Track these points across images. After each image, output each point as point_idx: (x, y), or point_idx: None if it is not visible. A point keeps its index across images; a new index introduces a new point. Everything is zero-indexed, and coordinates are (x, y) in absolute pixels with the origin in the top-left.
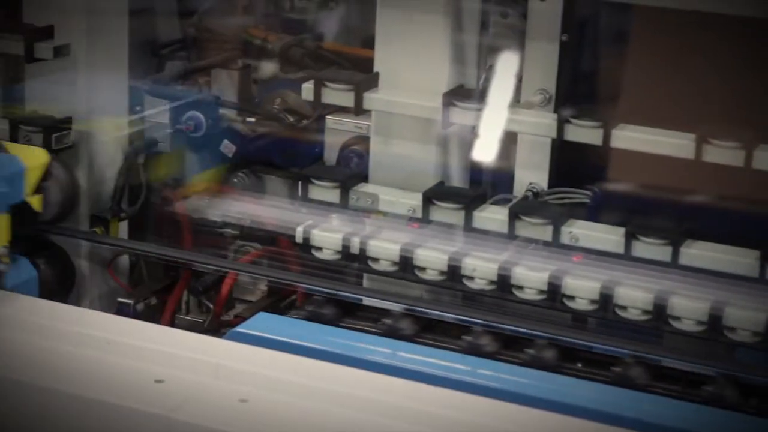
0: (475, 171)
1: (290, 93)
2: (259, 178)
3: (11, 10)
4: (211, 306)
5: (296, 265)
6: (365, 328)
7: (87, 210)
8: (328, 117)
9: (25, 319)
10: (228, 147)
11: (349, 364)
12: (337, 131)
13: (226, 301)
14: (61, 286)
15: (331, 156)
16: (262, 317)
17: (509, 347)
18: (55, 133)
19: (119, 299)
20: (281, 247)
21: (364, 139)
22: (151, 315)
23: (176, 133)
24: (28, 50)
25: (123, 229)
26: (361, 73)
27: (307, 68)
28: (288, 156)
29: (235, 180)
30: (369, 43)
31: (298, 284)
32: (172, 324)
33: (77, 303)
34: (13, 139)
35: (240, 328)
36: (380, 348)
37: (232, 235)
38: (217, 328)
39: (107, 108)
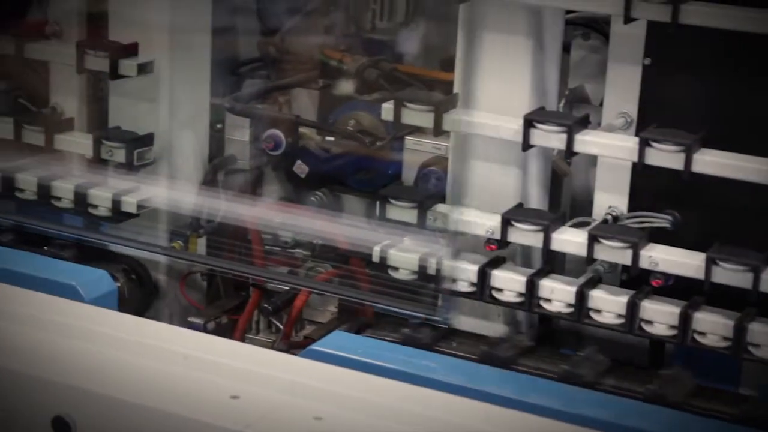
0: (554, 193)
1: (365, 114)
2: (336, 197)
3: (97, 28)
4: (281, 326)
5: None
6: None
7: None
8: (407, 137)
9: (103, 332)
10: (301, 167)
11: (423, 385)
12: (416, 151)
13: (296, 322)
14: (139, 300)
15: (409, 176)
16: (338, 336)
17: None
18: (137, 148)
19: (189, 318)
20: (354, 267)
21: (443, 160)
22: (222, 334)
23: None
24: (112, 67)
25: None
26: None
27: (382, 90)
28: (362, 177)
29: (313, 199)
30: (447, 64)
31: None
32: None
33: (153, 318)
34: (96, 154)
35: (315, 346)
36: (455, 369)
37: (303, 256)
38: (286, 348)
39: (189, 124)
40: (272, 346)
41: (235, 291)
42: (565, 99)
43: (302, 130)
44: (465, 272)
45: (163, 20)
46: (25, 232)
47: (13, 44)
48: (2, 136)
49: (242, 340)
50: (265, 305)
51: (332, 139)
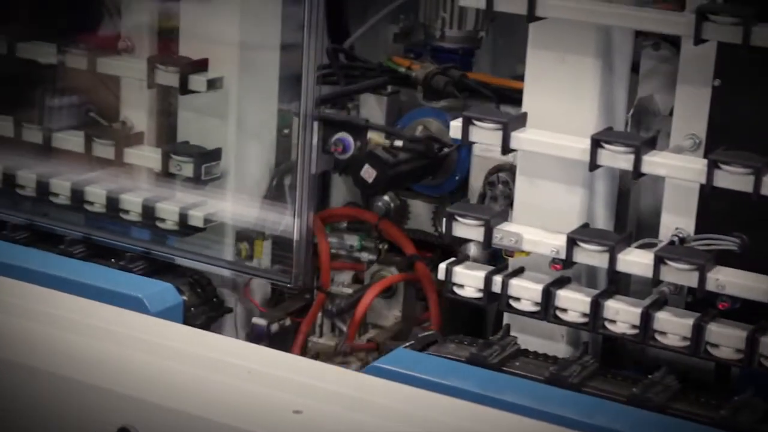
0: (620, 214)
1: (432, 120)
2: (402, 202)
3: (168, 44)
4: (344, 329)
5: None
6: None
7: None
8: (475, 144)
9: (168, 344)
10: (368, 172)
11: (486, 404)
12: (484, 158)
13: (359, 325)
14: (204, 313)
15: (476, 182)
16: (401, 353)
17: None
18: (205, 163)
19: (254, 319)
20: (419, 274)
21: (511, 166)
22: (285, 336)
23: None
24: (182, 82)
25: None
26: (505, 104)
27: (450, 97)
28: (429, 182)
29: (379, 204)
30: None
31: None
32: (304, 346)
33: (216, 323)
34: (165, 168)
35: (379, 363)
36: (520, 389)
37: (368, 260)
38: (350, 351)
39: (256, 140)
40: (335, 349)
41: (299, 294)
42: (634, 109)
43: (370, 135)
44: (529, 291)
45: (233, 37)
46: (93, 244)
47: (85, 59)
48: (73, 150)
49: (305, 342)
50: (329, 307)
51: (400, 144)
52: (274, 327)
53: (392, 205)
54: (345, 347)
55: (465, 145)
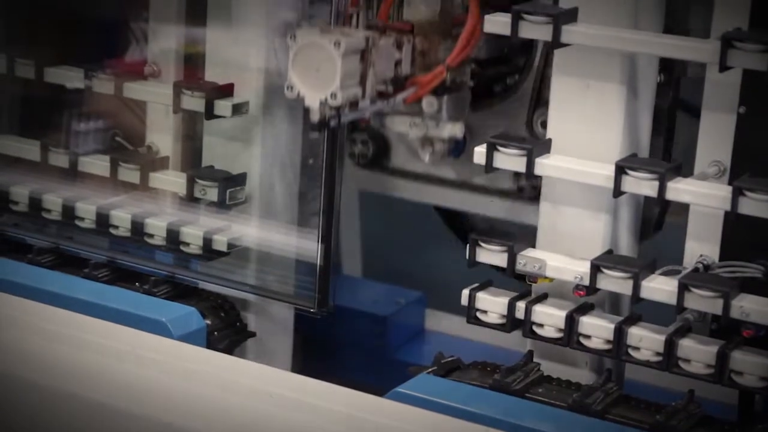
0: (644, 240)
1: None
2: None
3: (194, 69)
4: None
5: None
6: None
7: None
8: None
9: (192, 368)
10: None
11: (510, 431)
12: None
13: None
14: (227, 337)
15: None
16: (424, 379)
17: None
18: (229, 188)
19: None
20: None
21: None
22: None
23: None
24: (208, 107)
25: None
26: None
27: None
28: None
29: None
30: None
31: None
32: None
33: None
34: (190, 192)
35: (401, 389)
36: (543, 416)
37: None
38: (382, 28)
39: (282, 162)
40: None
41: None
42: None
43: None
44: (552, 318)
45: (259, 62)
46: (118, 268)
47: (111, 83)
48: (99, 174)
49: None
50: None
51: None
52: None
53: None
54: (378, 22)
55: None
